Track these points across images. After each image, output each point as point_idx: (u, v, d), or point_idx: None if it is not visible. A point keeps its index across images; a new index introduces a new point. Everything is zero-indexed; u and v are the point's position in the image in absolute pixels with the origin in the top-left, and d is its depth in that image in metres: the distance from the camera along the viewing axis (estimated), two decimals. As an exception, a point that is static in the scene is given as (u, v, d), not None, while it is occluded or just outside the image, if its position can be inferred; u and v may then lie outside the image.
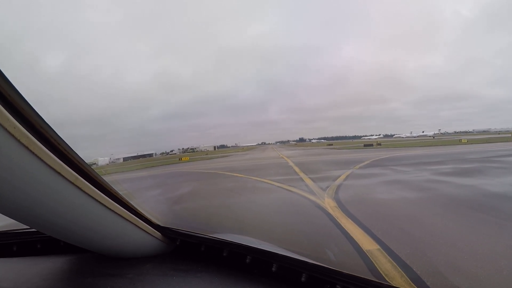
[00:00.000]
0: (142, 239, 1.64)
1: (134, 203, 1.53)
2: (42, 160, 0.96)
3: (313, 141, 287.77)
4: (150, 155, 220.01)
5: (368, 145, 58.24)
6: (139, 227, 1.56)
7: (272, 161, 30.53)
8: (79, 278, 1.56)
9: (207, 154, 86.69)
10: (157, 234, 1.72)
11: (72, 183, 1.09)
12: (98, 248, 1.59)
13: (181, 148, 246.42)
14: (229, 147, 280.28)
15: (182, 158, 60.53)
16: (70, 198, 1.13)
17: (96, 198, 1.22)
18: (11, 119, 0.86)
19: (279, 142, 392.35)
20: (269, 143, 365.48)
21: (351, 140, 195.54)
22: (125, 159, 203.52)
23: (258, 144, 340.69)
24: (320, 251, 4.87)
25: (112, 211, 1.34)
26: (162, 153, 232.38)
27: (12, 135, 0.86)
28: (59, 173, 1.03)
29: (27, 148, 0.90)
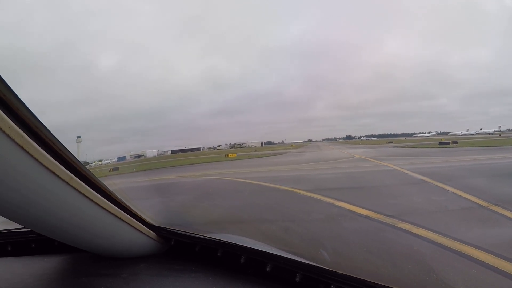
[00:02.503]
0: (137, 239, 1.64)
1: (129, 203, 1.52)
2: (36, 160, 0.96)
3: (362, 138, 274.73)
4: (198, 149, 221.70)
5: (443, 144, 49.66)
6: (133, 227, 1.56)
7: (366, 167, 18.74)
8: (73, 278, 1.56)
9: (255, 151, 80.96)
10: (152, 234, 1.72)
11: (67, 183, 1.09)
12: (92, 248, 1.59)
13: (228, 144, 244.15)
14: (275, 143, 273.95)
15: (229, 155, 54.67)
16: (64, 198, 1.14)
17: (91, 198, 1.22)
18: (6, 119, 0.86)
19: (325, 139, 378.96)
20: (315, 140, 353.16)
21: (404, 138, 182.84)
22: (173, 151, 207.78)
23: (305, 141, 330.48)
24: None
25: (107, 211, 1.34)
26: (210, 148, 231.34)
27: (7, 135, 0.86)
28: (53, 173, 1.03)
29: (21, 147, 0.90)
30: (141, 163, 66.14)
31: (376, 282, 1.22)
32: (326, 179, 14.49)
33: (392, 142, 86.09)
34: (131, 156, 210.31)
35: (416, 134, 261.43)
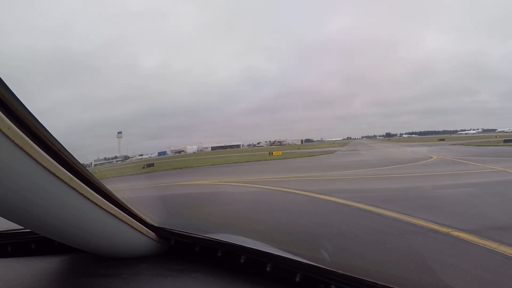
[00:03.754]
0: (137, 239, 1.64)
1: (128, 203, 1.53)
2: (36, 161, 0.96)
3: (404, 136, 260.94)
4: (238, 146, 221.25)
5: (508, 141, 42.67)
6: (133, 227, 1.56)
7: (490, 177, 12.89)
8: (73, 278, 1.56)
9: (299, 149, 76.32)
10: (152, 234, 1.72)
11: (67, 184, 1.09)
12: (92, 248, 1.60)
13: (268, 141, 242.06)
14: (314, 141, 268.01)
15: (273, 153, 49.42)
16: (64, 199, 1.14)
17: (91, 199, 1.23)
18: (5, 120, 0.86)
19: (364, 137, 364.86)
20: (354, 138, 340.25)
21: (449, 135, 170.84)
22: (213, 148, 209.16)
23: (344, 139, 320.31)
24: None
25: (107, 211, 1.34)
26: (249, 145, 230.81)
27: (6, 136, 0.86)
28: (53, 174, 1.03)
29: (21, 148, 0.90)
30: (179, 160, 63.33)
31: (376, 282, 1.21)
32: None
33: (444, 140, 77.30)
34: (171, 151, 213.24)
35: (459, 131, 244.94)
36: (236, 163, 34.98)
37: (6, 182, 0.93)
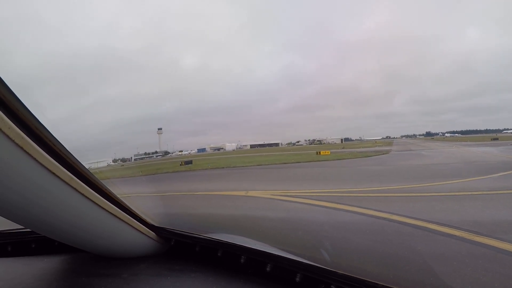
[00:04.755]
0: (137, 239, 1.65)
1: (129, 203, 1.54)
2: (36, 161, 0.97)
3: (447, 135, 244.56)
4: (276, 144, 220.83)
5: None
6: (133, 227, 1.57)
7: None
8: (73, 278, 1.57)
9: (343, 148, 70.31)
10: (152, 234, 1.73)
11: (67, 183, 1.10)
12: (92, 248, 1.61)
13: (307, 140, 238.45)
14: (353, 140, 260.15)
15: (321, 152, 43.99)
16: (64, 198, 1.15)
17: (91, 198, 1.23)
18: (6, 120, 0.87)
19: (404, 136, 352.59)
20: (394, 137, 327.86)
21: (495, 134, 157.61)
22: (252, 146, 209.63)
23: (383, 138, 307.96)
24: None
25: (107, 211, 1.35)
26: (288, 143, 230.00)
27: (7, 136, 0.87)
28: (53, 174, 1.04)
29: (21, 148, 0.91)
30: (220, 157, 60.40)
31: (376, 282, 1.22)
32: None
33: (497, 139, 68.21)
34: (211, 148, 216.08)
35: (507, 130, 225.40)
36: (285, 163, 29.94)
37: (7, 182, 0.93)
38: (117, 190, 1.46)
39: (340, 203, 8.67)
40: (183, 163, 40.42)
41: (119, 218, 1.45)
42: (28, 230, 1.86)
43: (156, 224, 1.77)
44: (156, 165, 51.62)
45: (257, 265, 1.50)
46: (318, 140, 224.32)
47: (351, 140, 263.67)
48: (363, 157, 34.17)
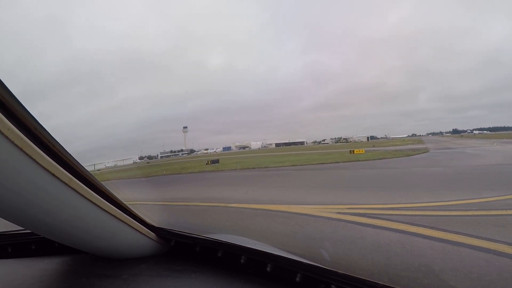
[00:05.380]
0: (137, 239, 1.65)
1: (128, 204, 1.53)
2: (36, 162, 0.96)
3: (475, 132, 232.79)
4: (301, 143, 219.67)
5: None
6: (133, 227, 1.57)
7: None
8: (73, 279, 1.57)
9: (374, 146, 66.23)
10: (152, 234, 1.73)
11: (66, 184, 1.10)
12: (92, 249, 1.61)
13: (333, 138, 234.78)
14: (379, 138, 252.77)
15: (355, 151, 40.87)
16: (64, 199, 1.14)
17: (90, 199, 1.23)
18: (5, 121, 0.86)
19: (430, 133, 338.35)
20: (420, 135, 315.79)
21: None
22: (277, 145, 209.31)
23: (409, 135, 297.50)
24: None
25: (107, 212, 1.34)
26: (314, 142, 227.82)
27: (6, 137, 0.86)
28: (53, 175, 1.03)
29: (21, 149, 0.91)
30: (246, 156, 58.21)
31: (376, 282, 1.21)
32: None
33: None
34: (236, 146, 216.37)
35: None
36: (323, 164, 26.90)
37: (6, 183, 0.93)
38: (118, 191, 1.44)
39: (449, 231, 5.61)
40: (209, 162, 38.71)
41: (119, 219, 1.44)
42: (28, 231, 1.85)
43: (156, 225, 1.75)
44: (181, 164, 49.97)
45: (257, 265, 1.49)
46: (344, 138, 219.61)
47: (376, 138, 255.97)
48: (403, 156, 31.17)
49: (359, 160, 28.64)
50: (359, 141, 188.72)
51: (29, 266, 1.76)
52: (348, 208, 8.29)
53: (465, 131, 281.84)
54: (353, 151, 41.50)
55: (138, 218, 1.62)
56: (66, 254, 1.84)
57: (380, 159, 29.19)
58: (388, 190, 11.40)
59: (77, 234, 1.36)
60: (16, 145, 0.89)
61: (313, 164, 27.81)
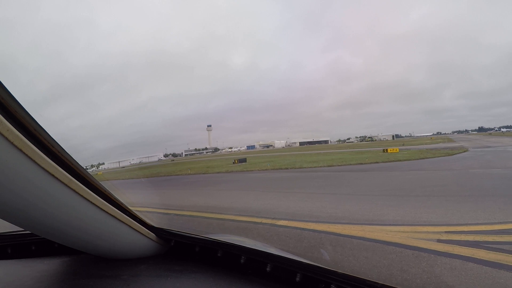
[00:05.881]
0: (137, 240, 1.64)
1: (128, 204, 1.52)
2: (35, 163, 0.96)
3: (503, 130, 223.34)
4: (326, 141, 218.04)
5: None
6: (133, 228, 1.56)
7: None
8: (73, 279, 1.56)
9: (403, 145, 62.32)
10: (151, 235, 1.72)
11: (66, 185, 1.09)
12: (92, 249, 1.59)
13: (357, 136, 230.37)
14: (403, 137, 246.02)
15: (389, 150, 38.91)
16: (64, 200, 1.14)
17: (90, 200, 1.22)
18: (4, 122, 0.86)
19: (455, 132, 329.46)
20: (445, 133, 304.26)
21: None
22: (301, 143, 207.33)
23: (434, 134, 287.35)
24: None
25: (106, 212, 1.34)
26: (338, 141, 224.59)
27: (6, 138, 0.86)
28: (53, 175, 1.03)
29: (20, 150, 0.90)
30: (273, 155, 55.96)
31: (376, 281, 1.21)
32: None
33: None
34: (260, 145, 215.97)
35: None
36: (361, 164, 24.43)
37: (6, 184, 0.92)
38: (117, 192, 1.44)
39: None
40: (236, 161, 37.35)
41: (119, 219, 1.43)
42: (28, 232, 1.85)
43: (155, 225, 1.75)
44: (207, 162, 48.30)
45: (257, 265, 1.48)
46: (369, 137, 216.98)
47: (401, 136, 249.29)
48: (445, 155, 28.81)
49: (399, 160, 26.40)
50: (384, 139, 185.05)
51: (29, 267, 1.74)
52: (449, 232, 5.78)
53: (491, 129, 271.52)
54: (387, 150, 39.41)
55: (138, 218, 1.60)
56: (66, 255, 1.82)
57: (422, 158, 26.76)
58: (474, 200, 8.72)
59: (77, 234, 1.35)
60: (15, 146, 0.88)
61: (351, 164, 25.37)
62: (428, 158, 26.76)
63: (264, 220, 7.88)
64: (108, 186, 1.35)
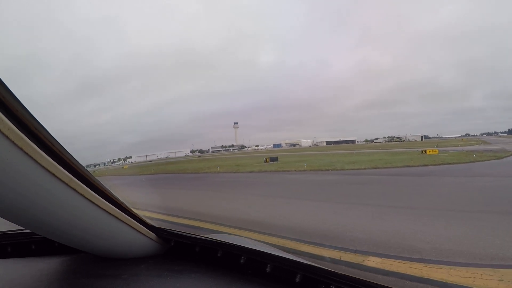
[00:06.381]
0: (137, 240, 1.64)
1: (128, 204, 1.52)
2: (36, 162, 0.96)
3: None
4: (352, 141, 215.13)
5: None
6: (133, 228, 1.56)
7: None
8: (73, 279, 1.55)
9: (437, 146, 57.41)
10: (152, 235, 1.72)
11: (67, 184, 1.09)
12: (92, 248, 1.59)
13: (385, 137, 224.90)
14: (430, 137, 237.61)
15: (427, 151, 36.83)
16: (64, 199, 1.14)
17: (91, 199, 1.22)
18: (5, 121, 0.86)
19: (484, 133, 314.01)
20: (474, 135, 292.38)
21: None
22: (327, 143, 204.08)
23: (462, 135, 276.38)
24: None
25: (107, 212, 1.34)
26: (366, 140, 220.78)
27: (7, 137, 0.86)
28: (53, 175, 1.03)
29: (21, 149, 0.90)
30: (302, 153, 53.39)
31: (376, 283, 1.21)
32: None
33: None
34: (286, 144, 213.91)
35: None
36: (409, 167, 21.88)
37: (6, 183, 0.93)
38: (118, 191, 1.43)
39: None
40: (267, 159, 35.58)
41: (119, 219, 1.43)
42: (28, 231, 1.85)
43: (155, 225, 1.75)
44: (235, 160, 46.28)
45: (257, 265, 1.48)
46: (397, 137, 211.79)
47: (428, 137, 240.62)
48: (494, 158, 26.37)
49: (448, 163, 23.93)
50: (413, 140, 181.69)
51: (29, 265, 1.75)
52: None
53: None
54: (425, 151, 36.94)
55: (138, 218, 1.60)
56: (66, 254, 1.83)
57: (472, 161, 24.29)
58: None
59: (77, 234, 1.35)
60: (16, 145, 0.88)
61: (398, 167, 22.80)
62: (478, 161, 24.17)
63: (342, 255, 5.22)
64: (108, 185, 1.34)
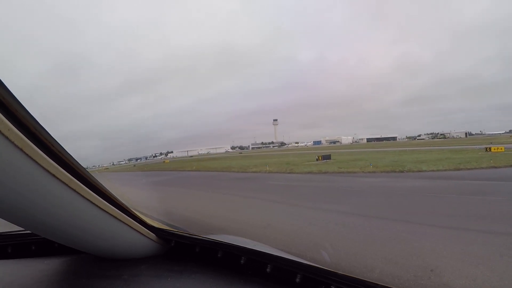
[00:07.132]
0: (137, 240, 1.64)
1: (128, 204, 1.51)
2: (36, 162, 0.96)
3: None
4: (394, 138, 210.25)
5: None
6: (133, 228, 1.55)
7: None
8: (74, 279, 1.55)
9: (491, 143, 51.76)
10: (152, 235, 1.71)
11: (66, 185, 1.09)
12: (92, 249, 1.59)
13: (429, 133, 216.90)
14: (473, 134, 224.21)
15: (492, 148, 33.75)
16: (64, 200, 1.14)
17: (90, 200, 1.22)
18: (5, 121, 0.86)
19: None
20: None
21: None
22: (368, 140, 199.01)
23: (506, 132, 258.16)
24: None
25: (107, 212, 1.34)
26: (408, 137, 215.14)
27: (6, 137, 0.86)
28: (53, 175, 1.03)
29: (21, 150, 0.90)
30: (352, 151, 51.16)
31: (376, 282, 1.21)
32: None
33: None
34: (326, 141, 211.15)
35: None
36: (495, 168, 18.88)
37: (7, 183, 0.93)
38: (118, 191, 1.41)
39: None
40: (320, 157, 34.32)
41: (119, 219, 1.43)
42: (28, 232, 1.85)
43: (155, 225, 1.74)
44: (280, 158, 44.61)
45: (257, 266, 1.47)
46: (441, 134, 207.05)
47: (471, 134, 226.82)
48: None
49: None
50: (457, 137, 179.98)
51: (29, 266, 1.75)
52: None
53: None
54: (490, 148, 33.98)
55: (138, 218, 1.60)
56: (66, 254, 1.83)
57: None
58: None
59: (77, 234, 1.34)
60: (16, 146, 0.88)
61: (482, 168, 19.20)
62: None
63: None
64: (108, 185, 1.33)
